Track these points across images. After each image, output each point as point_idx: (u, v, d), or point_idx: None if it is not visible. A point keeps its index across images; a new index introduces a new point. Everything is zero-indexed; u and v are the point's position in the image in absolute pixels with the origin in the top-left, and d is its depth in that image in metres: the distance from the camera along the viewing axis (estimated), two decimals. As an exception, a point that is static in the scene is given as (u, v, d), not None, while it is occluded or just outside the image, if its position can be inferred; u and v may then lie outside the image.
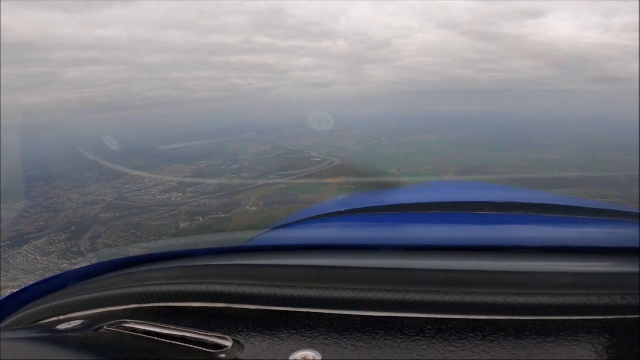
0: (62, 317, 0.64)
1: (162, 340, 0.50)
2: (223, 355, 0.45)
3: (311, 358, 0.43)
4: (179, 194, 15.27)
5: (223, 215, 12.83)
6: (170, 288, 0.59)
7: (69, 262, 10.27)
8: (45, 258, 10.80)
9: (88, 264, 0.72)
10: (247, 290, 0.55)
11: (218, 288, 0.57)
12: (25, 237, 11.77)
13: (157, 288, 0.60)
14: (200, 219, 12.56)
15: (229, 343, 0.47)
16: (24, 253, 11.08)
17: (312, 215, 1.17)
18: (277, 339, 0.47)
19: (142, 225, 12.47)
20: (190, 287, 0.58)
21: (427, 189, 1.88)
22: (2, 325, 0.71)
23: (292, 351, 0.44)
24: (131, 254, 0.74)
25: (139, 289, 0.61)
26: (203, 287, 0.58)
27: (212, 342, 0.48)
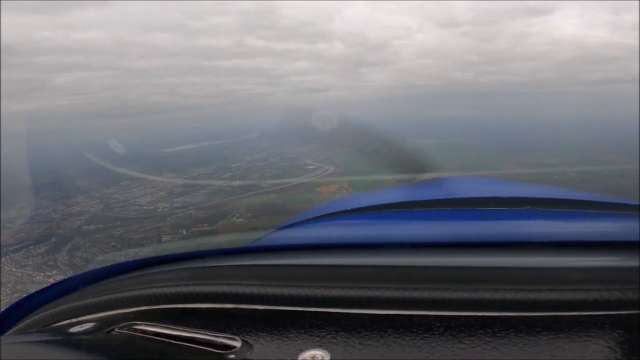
0: (74, 320, 0.65)
1: (172, 341, 0.51)
2: (232, 356, 0.46)
3: (320, 357, 0.44)
4: (166, 205, 14.92)
5: (208, 228, 12.48)
6: (179, 289, 0.60)
7: (43, 274, 10.04)
8: (20, 270, 10.54)
9: (97, 267, 0.72)
10: (255, 290, 0.56)
11: (226, 289, 0.57)
12: (5, 249, 11.44)
13: (166, 290, 0.61)
14: (184, 232, 12.20)
15: (237, 343, 0.48)
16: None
17: (318, 215, 1.16)
18: (285, 339, 0.48)
19: (124, 238, 12.17)
20: (199, 289, 0.59)
21: (433, 185, 1.83)
22: (15, 328, 0.72)
23: (301, 350, 0.45)
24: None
25: (149, 291, 0.62)
26: (211, 288, 0.58)
27: (221, 342, 0.49)
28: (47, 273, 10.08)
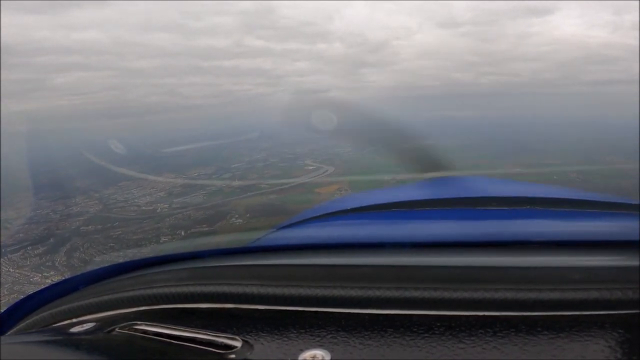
0: (74, 320, 0.65)
1: (173, 341, 0.51)
2: (233, 356, 0.46)
3: (320, 357, 0.43)
4: (165, 205, 14.87)
5: (207, 229, 12.41)
6: (179, 289, 0.60)
7: (40, 274, 10.09)
8: (17, 271, 10.55)
9: (97, 267, 0.73)
10: (255, 290, 0.56)
11: (226, 289, 0.57)
12: (3, 250, 11.41)
13: (166, 290, 0.61)
14: (182, 233, 12.14)
15: (238, 343, 0.48)
16: (-3, 266, 10.70)
17: (318, 214, 1.17)
18: (286, 339, 0.48)
19: (122, 239, 12.13)
20: (199, 289, 0.59)
21: (433, 184, 1.82)
22: (15, 328, 0.72)
23: (301, 350, 0.45)
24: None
25: (149, 291, 0.62)
26: (211, 288, 0.58)
27: (222, 342, 0.49)
28: (45, 274, 10.10)
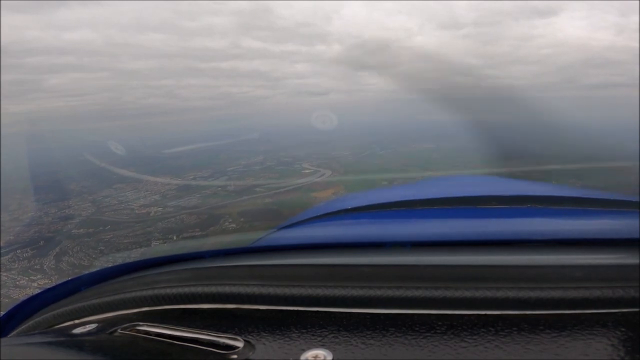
0: (76, 321, 0.66)
1: (175, 342, 0.52)
2: (235, 356, 0.47)
3: (322, 357, 0.44)
4: (159, 208, 14.74)
5: (199, 233, 12.25)
6: (180, 290, 0.60)
7: (27, 278, 9.95)
8: (5, 274, 10.39)
9: (99, 269, 0.73)
10: (257, 290, 0.56)
11: (228, 289, 0.58)
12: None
13: (168, 290, 0.61)
14: (174, 237, 11.99)
15: (240, 344, 0.48)
16: (-16, 269, 10.58)
17: (319, 214, 1.17)
18: (287, 339, 0.48)
19: (113, 243, 12.00)
20: (201, 289, 0.59)
21: (434, 184, 1.81)
22: (18, 330, 0.72)
23: (303, 350, 0.45)
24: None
25: (151, 292, 0.62)
26: (213, 289, 0.59)
27: (224, 343, 0.50)
28: (32, 277, 10.01)
